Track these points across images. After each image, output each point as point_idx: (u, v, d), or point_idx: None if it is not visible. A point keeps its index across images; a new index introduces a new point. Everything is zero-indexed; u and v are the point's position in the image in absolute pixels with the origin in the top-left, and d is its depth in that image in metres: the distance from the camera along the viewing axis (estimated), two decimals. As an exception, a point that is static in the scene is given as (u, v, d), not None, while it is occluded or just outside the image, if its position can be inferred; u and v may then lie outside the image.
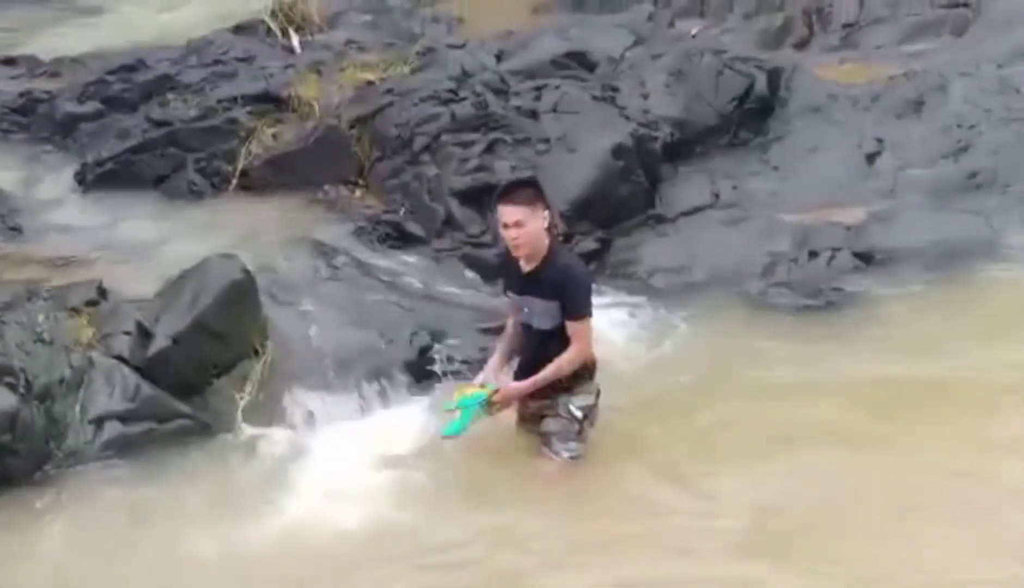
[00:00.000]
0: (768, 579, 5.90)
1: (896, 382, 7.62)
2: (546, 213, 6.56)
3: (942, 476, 6.64)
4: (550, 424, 6.73)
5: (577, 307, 6.59)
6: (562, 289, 6.54)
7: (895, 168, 10.12)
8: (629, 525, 6.38)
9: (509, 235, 6.55)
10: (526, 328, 6.76)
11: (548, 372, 6.63)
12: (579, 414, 6.69)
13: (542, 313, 6.62)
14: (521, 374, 6.80)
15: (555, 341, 6.63)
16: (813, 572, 5.91)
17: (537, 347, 6.72)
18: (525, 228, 6.48)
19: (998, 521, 6.27)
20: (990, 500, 6.45)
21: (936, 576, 5.92)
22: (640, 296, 8.90)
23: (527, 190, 6.63)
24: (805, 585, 5.87)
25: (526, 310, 6.69)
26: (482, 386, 6.72)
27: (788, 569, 5.95)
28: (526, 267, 6.65)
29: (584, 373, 6.74)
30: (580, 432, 6.72)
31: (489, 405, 6.64)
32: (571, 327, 6.59)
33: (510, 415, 6.93)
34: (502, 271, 7.17)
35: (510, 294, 6.91)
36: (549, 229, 6.63)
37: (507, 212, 6.51)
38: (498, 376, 6.87)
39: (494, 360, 6.99)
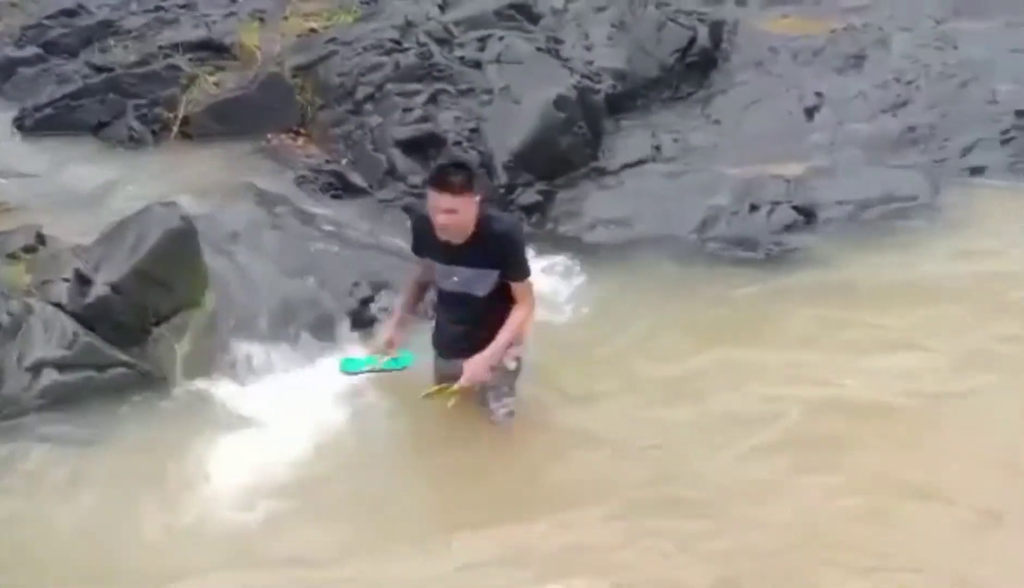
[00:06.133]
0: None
1: (833, 331, 7.71)
2: (478, 197, 6.36)
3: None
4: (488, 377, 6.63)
5: (521, 271, 6.48)
6: (503, 258, 6.41)
7: (835, 122, 10.24)
8: (568, 476, 6.46)
9: (439, 220, 6.30)
10: (458, 297, 6.55)
11: (507, 336, 6.48)
12: (513, 365, 6.64)
13: (476, 280, 6.44)
14: (463, 342, 6.57)
15: (498, 304, 6.48)
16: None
17: (479, 313, 6.52)
18: (457, 216, 6.28)
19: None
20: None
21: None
22: (581, 248, 8.94)
23: (461, 175, 6.31)
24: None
25: (455, 279, 6.50)
26: (441, 388, 6.54)
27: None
28: (454, 242, 6.42)
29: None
30: (512, 386, 6.71)
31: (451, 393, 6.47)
32: (518, 288, 6.48)
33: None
34: (417, 233, 6.72)
35: (433, 263, 6.62)
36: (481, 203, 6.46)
37: (441, 200, 6.24)
38: (397, 332, 6.84)
39: (394, 318, 6.98)
